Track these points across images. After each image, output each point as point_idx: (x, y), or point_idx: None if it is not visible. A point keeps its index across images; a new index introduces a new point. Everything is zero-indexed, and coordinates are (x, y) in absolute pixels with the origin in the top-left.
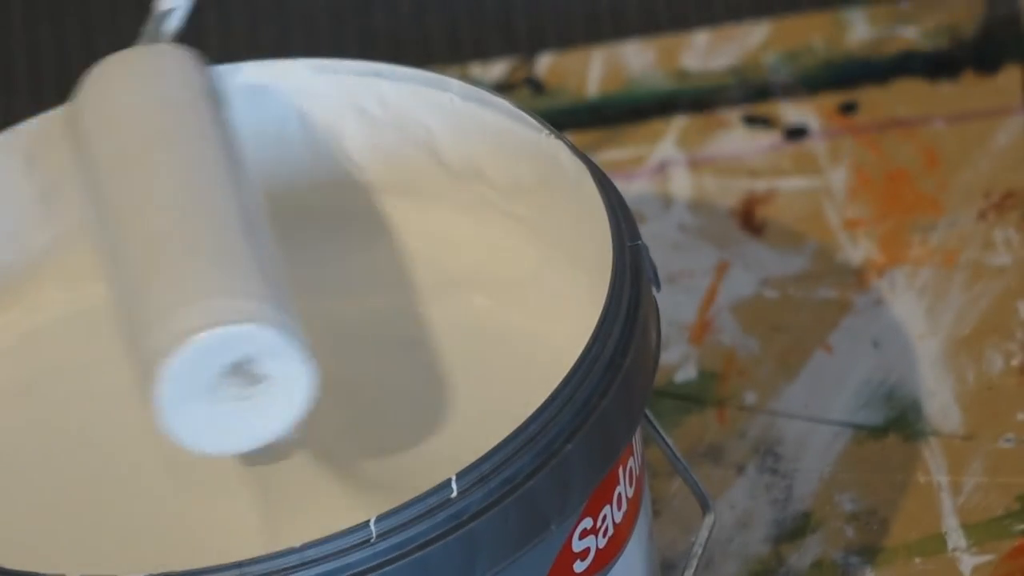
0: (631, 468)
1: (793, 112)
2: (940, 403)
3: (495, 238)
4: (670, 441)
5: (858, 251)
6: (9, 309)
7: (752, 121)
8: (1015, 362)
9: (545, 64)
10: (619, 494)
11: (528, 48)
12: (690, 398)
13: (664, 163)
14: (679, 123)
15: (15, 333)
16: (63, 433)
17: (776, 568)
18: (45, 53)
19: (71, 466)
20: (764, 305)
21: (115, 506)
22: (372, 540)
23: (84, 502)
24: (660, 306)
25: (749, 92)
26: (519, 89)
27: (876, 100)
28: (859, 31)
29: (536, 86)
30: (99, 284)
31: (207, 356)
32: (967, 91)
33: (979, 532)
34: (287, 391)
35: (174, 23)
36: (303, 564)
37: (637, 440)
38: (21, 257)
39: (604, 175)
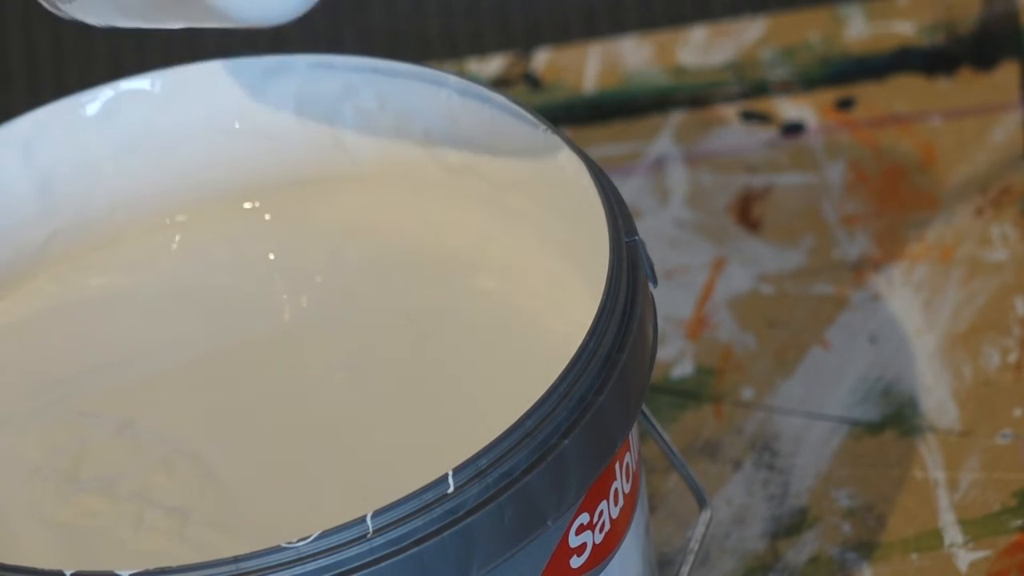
0: (628, 464)
1: (790, 108)
2: (937, 399)
3: (494, 232)
4: (667, 437)
5: (855, 247)
6: (1, 300)
7: (749, 117)
8: (1012, 358)
9: (542, 60)
10: (616, 490)
11: (525, 44)
12: (687, 394)
13: (661, 159)
14: (676, 119)
15: (2, 322)
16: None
17: (772, 564)
18: (41, 49)
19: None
20: (761, 301)
21: (96, 494)
22: (369, 535)
23: (64, 483)
24: (657, 302)
25: (746, 88)
26: (516, 85)
27: (873, 96)
28: (856, 27)
29: (533, 82)
30: (90, 277)
31: None
32: (964, 87)
33: (976, 528)
34: None
35: None
36: (299, 559)
37: (634, 436)
38: (17, 252)
39: (601, 171)
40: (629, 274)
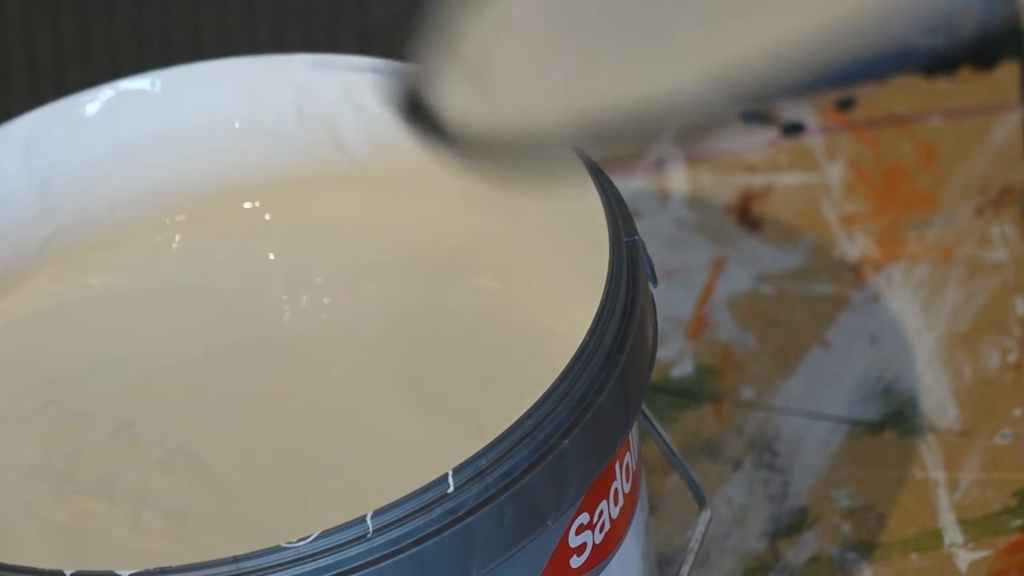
0: (628, 464)
1: (790, 108)
2: (937, 399)
3: (494, 232)
4: (667, 437)
5: (855, 247)
6: (1, 299)
7: (749, 117)
8: (1012, 358)
9: None
10: (616, 489)
11: None
12: (687, 394)
13: (661, 159)
14: None
15: (2, 322)
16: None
17: (772, 564)
18: (42, 48)
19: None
20: (761, 301)
21: (93, 494)
22: (369, 535)
23: (61, 484)
24: (657, 302)
25: None
26: None
27: (873, 96)
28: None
29: None
30: (90, 276)
31: None
32: (964, 87)
33: (976, 528)
34: None
35: None
36: (299, 559)
37: (634, 436)
38: (17, 252)
39: (601, 170)
40: (629, 274)
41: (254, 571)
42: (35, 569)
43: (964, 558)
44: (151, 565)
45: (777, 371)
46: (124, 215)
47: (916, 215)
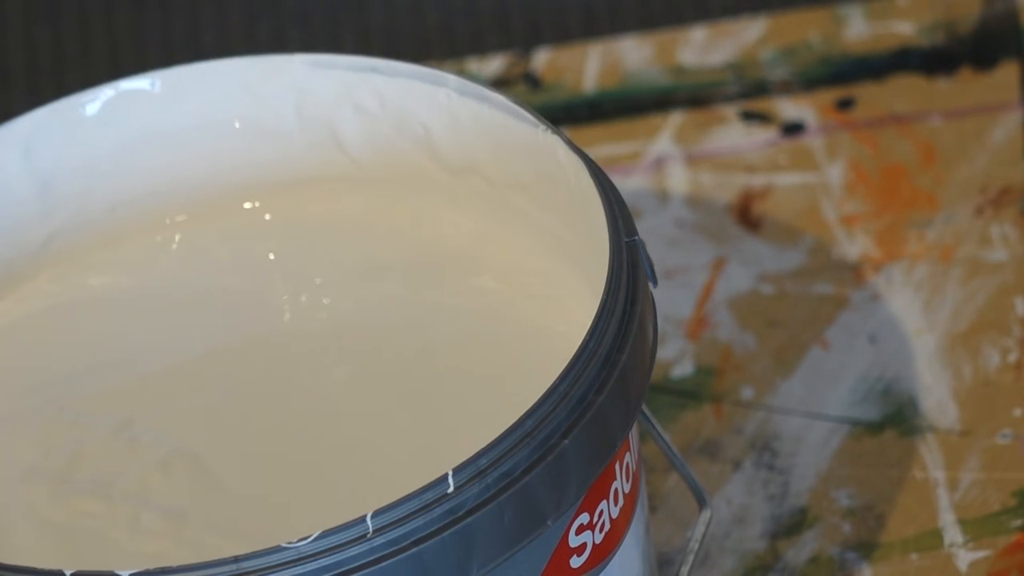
0: (628, 464)
1: (790, 108)
2: (937, 399)
3: (494, 232)
4: (667, 437)
5: (855, 247)
6: (1, 299)
7: (749, 117)
8: (1012, 358)
9: (542, 59)
10: (616, 489)
11: (525, 43)
12: (687, 394)
13: (661, 159)
14: (676, 119)
15: (2, 322)
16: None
17: (772, 564)
18: (42, 48)
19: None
20: (761, 301)
21: (92, 495)
22: (369, 535)
23: (60, 484)
24: (657, 302)
25: (746, 88)
26: (516, 84)
27: (873, 96)
28: (856, 27)
29: (533, 81)
30: (90, 277)
31: None
32: (964, 87)
33: (976, 528)
34: None
35: None
36: (300, 559)
37: (634, 436)
38: (17, 252)
39: (601, 171)
40: (629, 274)
41: (254, 571)
42: (35, 569)
43: (964, 558)
44: (151, 565)
45: (777, 371)
46: (124, 215)
47: (916, 215)
